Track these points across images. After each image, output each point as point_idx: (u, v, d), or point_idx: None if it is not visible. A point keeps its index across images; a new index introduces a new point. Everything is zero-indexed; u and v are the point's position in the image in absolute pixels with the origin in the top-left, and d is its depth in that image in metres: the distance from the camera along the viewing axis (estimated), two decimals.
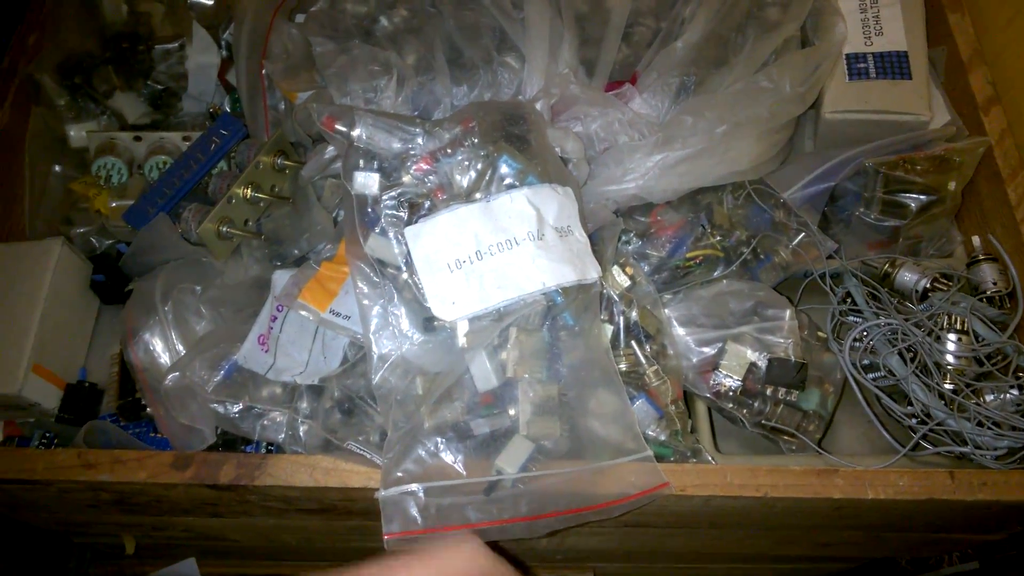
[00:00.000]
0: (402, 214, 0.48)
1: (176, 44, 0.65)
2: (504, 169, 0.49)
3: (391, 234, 0.47)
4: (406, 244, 0.46)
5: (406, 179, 0.48)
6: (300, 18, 0.66)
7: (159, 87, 0.65)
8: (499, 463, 0.44)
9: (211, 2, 0.68)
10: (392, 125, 0.48)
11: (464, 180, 0.48)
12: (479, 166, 0.49)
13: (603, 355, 0.50)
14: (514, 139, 0.51)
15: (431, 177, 0.48)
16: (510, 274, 0.46)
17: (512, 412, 0.47)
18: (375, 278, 0.47)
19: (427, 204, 0.48)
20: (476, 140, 0.49)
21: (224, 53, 0.67)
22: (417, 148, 0.48)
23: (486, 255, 0.46)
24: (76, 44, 0.65)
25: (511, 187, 0.48)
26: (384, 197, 0.47)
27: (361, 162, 0.48)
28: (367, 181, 0.47)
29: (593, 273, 0.48)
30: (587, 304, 0.49)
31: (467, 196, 0.48)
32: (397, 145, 0.48)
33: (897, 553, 0.65)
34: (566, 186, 0.50)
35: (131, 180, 0.61)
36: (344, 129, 0.48)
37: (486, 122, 0.50)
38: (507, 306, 0.46)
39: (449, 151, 0.49)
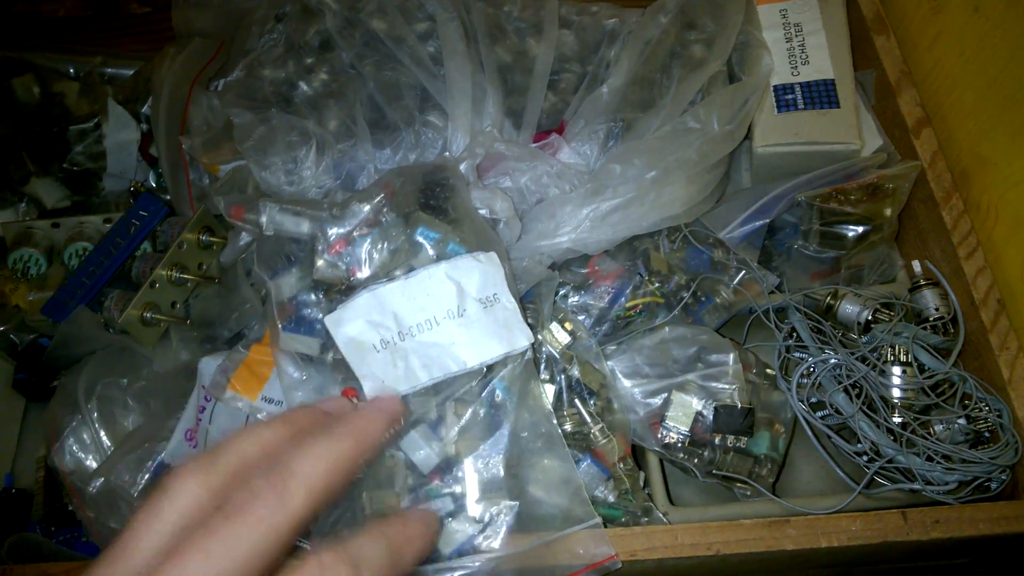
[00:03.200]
0: (321, 300, 0.47)
1: (91, 123, 0.63)
2: (422, 240, 0.47)
3: (317, 319, 0.46)
4: (328, 333, 0.45)
5: (320, 263, 0.46)
6: (222, 84, 0.64)
7: (75, 169, 0.63)
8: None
9: (128, 76, 0.66)
10: (301, 210, 0.47)
11: (381, 257, 0.47)
12: (397, 241, 0.48)
13: (545, 419, 0.48)
14: (432, 206, 0.49)
15: (347, 258, 0.47)
16: (433, 355, 0.45)
17: (458, 490, 0.45)
18: (299, 370, 0.45)
19: (345, 287, 0.47)
20: (392, 214, 0.48)
21: (144, 127, 0.66)
22: (329, 230, 0.47)
23: (408, 336, 0.45)
24: None
25: (430, 261, 0.47)
26: (300, 287, 0.46)
27: (274, 249, 0.46)
28: (280, 283, 0.46)
29: (523, 341, 0.47)
30: (521, 372, 0.48)
31: (387, 273, 0.47)
32: (307, 230, 0.46)
33: None
34: (489, 251, 0.49)
35: (51, 270, 0.59)
36: (252, 219, 0.46)
37: (402, 191, 0.49)
38: (438, 382, 0.45)
39: (365, 228, 0.47)
